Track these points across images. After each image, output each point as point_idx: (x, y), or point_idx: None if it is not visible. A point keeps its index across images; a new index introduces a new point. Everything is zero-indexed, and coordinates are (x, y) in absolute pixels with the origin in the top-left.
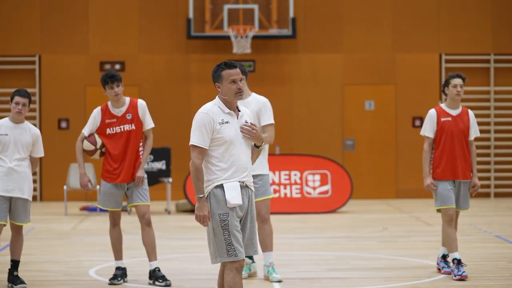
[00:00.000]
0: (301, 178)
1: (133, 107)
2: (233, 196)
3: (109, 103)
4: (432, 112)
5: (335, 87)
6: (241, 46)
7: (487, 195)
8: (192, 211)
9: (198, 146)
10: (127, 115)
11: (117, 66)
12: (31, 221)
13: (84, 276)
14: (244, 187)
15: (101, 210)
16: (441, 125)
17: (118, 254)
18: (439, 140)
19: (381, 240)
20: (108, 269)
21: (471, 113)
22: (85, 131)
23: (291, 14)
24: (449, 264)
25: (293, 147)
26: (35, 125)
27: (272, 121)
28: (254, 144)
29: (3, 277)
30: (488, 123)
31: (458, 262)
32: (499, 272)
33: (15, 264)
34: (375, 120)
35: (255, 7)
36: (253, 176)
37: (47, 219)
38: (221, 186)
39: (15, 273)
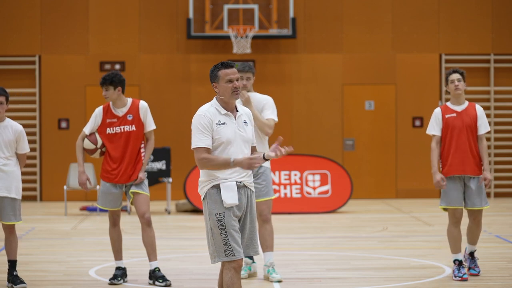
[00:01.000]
0: (301, 178)
1: (134, 108)
2: (229, 196)
3: (111, 102)
4: (437, 110)
5: (335, 87)
6: (241, 46)
7: (487, 195)
8: (192, 211)
9: (201, 147)
10: (128, 116)
11: (117, 66)
12: (22, 220)
13: (84, 276)
14: (242, 187)
15: (101, 210)
16: (446, 122)
17: (118, 254)
18: (445, 137)
19: (381, 240)
20: (108, 269)
21: (478, 107)
22: (86, 129)
23: (291, 14)
24: (476, 262)
25: (293, 147)
26: (34, 125)
27: (272, 117)
28: (263, 155)
29: (3, 277)
30: (488, 123)
31: (460, 263)
32: (499, 272)
33: (12, 264)
34: (375, 120)
35: (255, 7)
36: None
37: (47, 219)
38: (217, 186)
39: (14, 273)
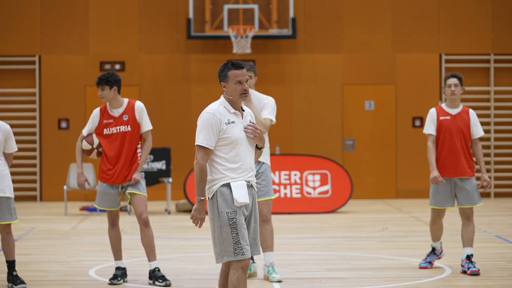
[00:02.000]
0: (301, 178)
1: (130, 109)
2: (241, 194)
3: (108, 103)
4: (432, 110)
5: (335, 87)
6: (241, 46)
7: (487, 195)
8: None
9: (204, 147)
10: (124, 116)
11: (117, 66)
12: (18, 219)
13: (84, 276)
14: (249, 186)
15: (100, 210)
16: (439, 124)
17: (117, 254)
18: (439, 138)
19: (381, 240)
20: (108, 269)
21: (472, 112)
22: (84, 131)
23: (291, 14)
24: (475, 264)
25: (293, 147)
26: (34, 125)
27: (270, 117)
28: (256, 145)
29: (3, 277)
30: (488, 123)
31: (432, 250)
32: (499, 272)
33: (11, 264)
34: (375, 120)
35: (255, 7)
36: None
37: (47, 219)
38: (228, 185)
39: (14, 273)
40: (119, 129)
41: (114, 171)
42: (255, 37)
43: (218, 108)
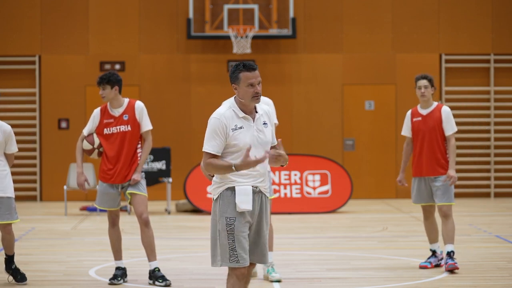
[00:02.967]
0: (301, 178)
1: (130, 109)
2: (243, 200)
3: (108, 103)
4: (408, 113)
5: (335, 87)
6: (241, 46)
7: (487, 195)
8: (192, 211)
9: (209, 153)
10: (124, 116)
11: (117, 66)
12: (19, 218)
13: (84, 276)
14: (257, 192)
15: (100, 210)
16: (413, 125)
17: (117, 254)
18: (414, 140)
19: (381, 240)
20: (108, 269)
21: (444, 109)
22: (85, 131)
23: (291, 14)
24: (455, 260)
25: (293, 147)
26: (34, 125)
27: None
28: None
29: (2, 277)
30: (488, 123)
31: (433, 253)
32: (499, 272)
33: (10, 258)
34: (375, 120)
35: (255, 7)
36: None
37: (47, 219)
38: (233, 189)
39: (13, 266)
40: (119, 128)
41: (114, 171)
42: (255, 37)
43: (225, 112)
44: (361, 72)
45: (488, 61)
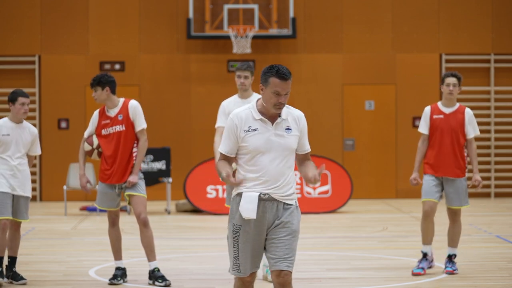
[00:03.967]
0: (301, 178)
1: (124, 108)
2: (247, 208)
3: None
4: (427, 109)
5: (335, 87)
6: (241, 46)
7: (487, 195)
8: (192, 211)
9: (222, 153)
10: (119, 116)
11: (117, 66)
12: (30, 220)
13: (84, 276)
14: (268, 199)
15: (100, 210)
16: (432, 122)
17: (117, 254)
18: (431, 137)
19: (381, 240)
20: (108, 269)
21: (468, 111)
22: (86, 133)
23: (291, 14)
24: (454, 264)
25: None
26: (35, 125)
27: None
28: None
29: None
30: (488, 123)
31: (424, 256)
32: (499, 272)
33: (12, 260)
34: (375, 120)
35: (255, 7)
36: None
37: (47, 219)
38: (241, 195)
39: (14, 269)
40: (115, 129)
41: (111, 171)
42: (255, 37)
43: (241, 113)
44: (361, 72)
45: (488, 61)
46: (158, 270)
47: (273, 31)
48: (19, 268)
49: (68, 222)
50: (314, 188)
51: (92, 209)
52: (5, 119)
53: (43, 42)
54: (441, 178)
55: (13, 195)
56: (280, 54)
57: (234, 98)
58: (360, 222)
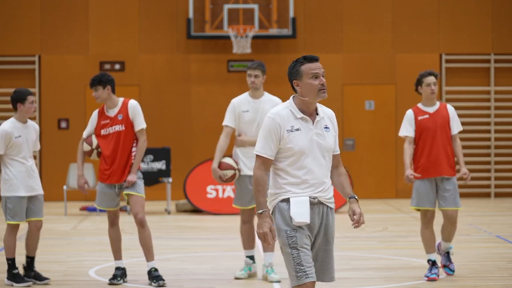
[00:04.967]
0: None
1: (124, 108)
2: (299, 212)
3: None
4: (409, 112)
5: (335, 87)
6: (241, 46)
7: (487, 195)
8: (192, 211)
9: (261, 156)
10: (119, 115)
11: (117, 66)
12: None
13: (84, 276)
14: (316, 203)
15: (100, 210)
16: (419, 124)
17: (117, 254)
18: (419, 139)
19: (381, 240)
20: (108, 269)
21: (450, 107)
22: (85, 133)
23: (291, 14)
24: (451, 260)
25: None
26: None
27: None
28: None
29: (2, 277)
30: (488, 123)
31: (433, 263)
32: (499, 272)
33: (32, 260)
34: (375, 120)
35: (255, 7)
36: None
37: (47, 219)
38: (287, 200)
39: (35, 269)
40: (115, 128)
41: (110, 171)
42: (255, 37)
43: (280, 111)
44: (361, 72)
45: (488, 61)
46: (155, 270)
47: (273, 31)
48: (19, 268)
49: (68, 222)
50: None
51: (92, 209)
52: (13, 120)
53: (43, 42)
54: (435, 180)
55: (29, 197)
56: (280, 54)
57: (245, 96)
58: None
